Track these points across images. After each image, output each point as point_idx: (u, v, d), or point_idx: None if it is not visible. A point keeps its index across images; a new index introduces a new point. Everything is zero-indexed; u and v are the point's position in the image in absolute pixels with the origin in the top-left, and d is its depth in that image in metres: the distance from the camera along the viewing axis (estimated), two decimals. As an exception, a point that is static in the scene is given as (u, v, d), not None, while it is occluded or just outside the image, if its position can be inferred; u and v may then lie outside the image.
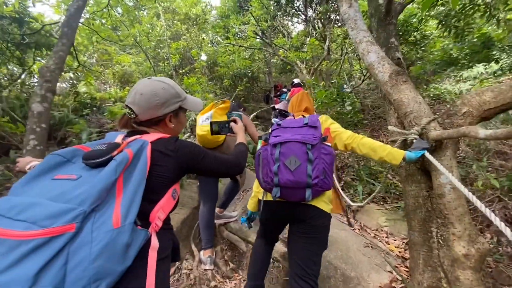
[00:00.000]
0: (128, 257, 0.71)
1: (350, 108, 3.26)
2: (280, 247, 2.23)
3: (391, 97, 1.84)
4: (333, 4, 6.51)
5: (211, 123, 1.44)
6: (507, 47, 3.15)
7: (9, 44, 3.67)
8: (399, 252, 2.35)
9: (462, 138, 3.18)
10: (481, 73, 5.38)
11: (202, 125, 2.24)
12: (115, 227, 0.68)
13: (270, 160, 1.38)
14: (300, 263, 1.42)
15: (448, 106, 5.21)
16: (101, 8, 3.92)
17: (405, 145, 1.77)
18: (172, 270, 2.23)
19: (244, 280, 2.27)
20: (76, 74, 4.63)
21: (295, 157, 1.32)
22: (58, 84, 5.56)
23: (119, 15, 4.48)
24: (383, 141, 5.35)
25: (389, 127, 1.83)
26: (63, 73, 4.78)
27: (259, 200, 1.60)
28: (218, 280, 2.20)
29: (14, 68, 4.81)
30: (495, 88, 1.66)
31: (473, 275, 1.42)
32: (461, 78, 5.84)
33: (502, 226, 1.03)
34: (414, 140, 1.60)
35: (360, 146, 1.53)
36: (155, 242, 0.82)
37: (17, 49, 3.84)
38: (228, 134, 1.44)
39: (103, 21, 4.13)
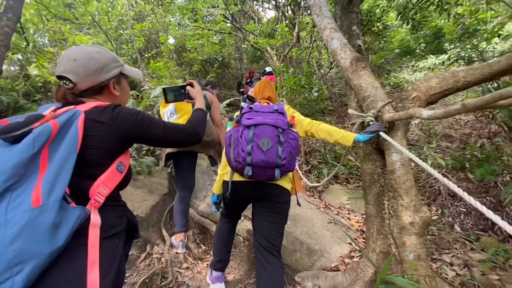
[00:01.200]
0: (58, 237, 0.64)
1: (317, 94, 3.38)
2: (249, 226, 2.33)
3: (351, 82, 1.96)
4: (303, -9, 6.54)
5: (163, 89, 1.31)
6: (455, 39, 3.46)
7: None
8: (359, 226, 2.58)
9: (412, 120, 3.47)
10: (434, 63, 5.88)
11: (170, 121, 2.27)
12: (35, 206, 0.62)
13: (242, 140, 1.44)
14: (266, 236, 1.53)
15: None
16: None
17: (363, 127, 1.92)
18: (143, 256, 2.23)
19: (216, 261, 2.34)
20: (25, 56, 4.18)
21: (268, 138, 1.41)
22: (6, 66, 4.98)
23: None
24: (347, 127, 5.67)
25: (349, 110, 1.96)
26: (10, 54, 4.29)
27: (225, 182, 1.65)
28: (190, 262, 2.25)
29: None
30: (440, 75, 1.85)
31: (417, 239, 1.62)
32: (417, 68, 6.33)
33: (450, 184, 1.12)
34: (371, 122, 1.74)
35: (318, 131, 1.68)
36: (95, 219, 0.76)
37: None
38: (186, 100, 1.32)
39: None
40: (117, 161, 0.86)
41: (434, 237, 2.48)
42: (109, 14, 5.91)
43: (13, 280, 0.58)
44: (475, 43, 3.38)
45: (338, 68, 8.12)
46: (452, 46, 3.41)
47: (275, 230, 1.56)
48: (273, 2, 7.97)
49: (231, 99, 6.62)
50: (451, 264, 2.14)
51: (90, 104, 0.85)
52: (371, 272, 1.70)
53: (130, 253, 2.21)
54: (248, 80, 5.13)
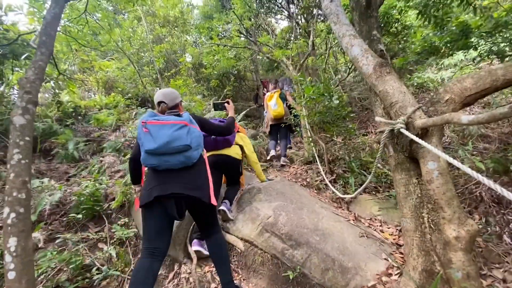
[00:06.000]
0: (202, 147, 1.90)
1: (338, 102, 3.29)
2: (277, 243, 2.25)
3: (376, 88, 1.88)
4: (315, -1, 6.53)
5: (213, 103, 2.65)
6: (484, 34, 3.24)
7: (-17, 56, 3.52)
8: (394, 239, 2.41)
9: (447, 124, 3.25)
10: (461, 60, 5.53)
11: (274, 109, 4.53)
12: (199, 130, 1.84)
13: None
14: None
15: (431, 94, 5.36)
16: (77, 14, 3.79)
17: (393, 135, 1.81)
18: (171, 275, 2.22)
19: (244, 279, 2.28)
20: (57, 83, 4.49)
21: None
22: (40, 94, 5.38)
23: (97, 21, 4.35)
24: (371, 132, 5.43)
25: (376, 118, 1.86)
26: (44, 83, 4.63)
27: None
28: (218, 281, 2.20)
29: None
30: (475, 74, 1.71)
31: (465, 256, 1.47)
32: (442, 66, 6.00)
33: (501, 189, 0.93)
34: (401, 129, 1.64)
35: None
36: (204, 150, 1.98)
37: (-7, 60, 3.69)
38: (224, 110, 2.56)
39: (81, 27, 3.99)
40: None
41: (480, 249, 2.24)
42: (130, 39, 6.25)
43: (198, 151, 1.78)
44: (507, 36, 3.14)
45: (357, 72, 7.96)
46: (482, 42, 3.19)
47: None
48: (286, 13, 8.04)
49: (247, 110, 6.68)
50: (504, 281, 1.91)
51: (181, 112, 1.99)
52: (414, 293, 1.55)
53: (158, 273, 2.21)
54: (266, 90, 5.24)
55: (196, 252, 2.42)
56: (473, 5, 3.35)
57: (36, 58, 1.88)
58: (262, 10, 7.42)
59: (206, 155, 1.96)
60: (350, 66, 6.56)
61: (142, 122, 1.68)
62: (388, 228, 2.60)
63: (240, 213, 2.76)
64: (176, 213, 1.63)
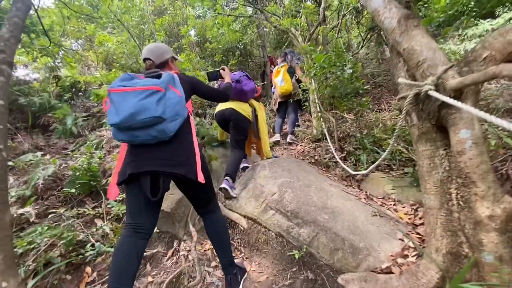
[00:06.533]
0: (186, 112, 1.55)
1: (351, 71, 2.99)
2: (281, 220, 2.10)
3: (400, 46, 1.60)
4: (327, -36, 5.95)
5: (207, 73, 2.31)
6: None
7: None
8: (409, 219, 2.22)
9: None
10: (487, 30, 5.03)
11: (281, 86, 4.31)
12: (179, 96, 1.46)
13: None
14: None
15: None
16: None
17: (417, 100, 1.56)
18: (170, 253, 2.11)
19: (246, 258, 2.16)
20: (54, 57, 4.29)
21: None
22: (38, 70, 5.20)
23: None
24: (384, 109, 5.11)
25: (399, 80, 1.61)
26: (39, 57, 4.43)
27: None
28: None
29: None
30: (522, 26, 1.42)
31: (498, 237, 1.27)
32: (465, 37, 5.49)
33: None
34: (430, 92, 1.39)
35: None
36: (191, 117, 1.66)
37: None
38: (220, 79, 2.31)
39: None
40: (190, 98, 1.71)
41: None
42: (129, 10, 5.92)
43: (176, 122, 1.43)
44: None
45: (370, 47, 7.43)
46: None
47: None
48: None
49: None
50: (533, 265, 1.72)
51: (171, 71, 1.69)
52: (437, 278, 1.38)
53: (156, 250, 2.11)
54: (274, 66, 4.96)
55: (222, 189, 2.51)
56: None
57: (11, 15, 1.67)
58: (270, -22, 6.87)
59: (193, 121, 1.68)
60: (364, 38, 6.11)
61: (107, 90, 1.39)
62: (403, 207, 2.41)
63: (244, 190, 2.60)
64: (149, 192, 1.36)
